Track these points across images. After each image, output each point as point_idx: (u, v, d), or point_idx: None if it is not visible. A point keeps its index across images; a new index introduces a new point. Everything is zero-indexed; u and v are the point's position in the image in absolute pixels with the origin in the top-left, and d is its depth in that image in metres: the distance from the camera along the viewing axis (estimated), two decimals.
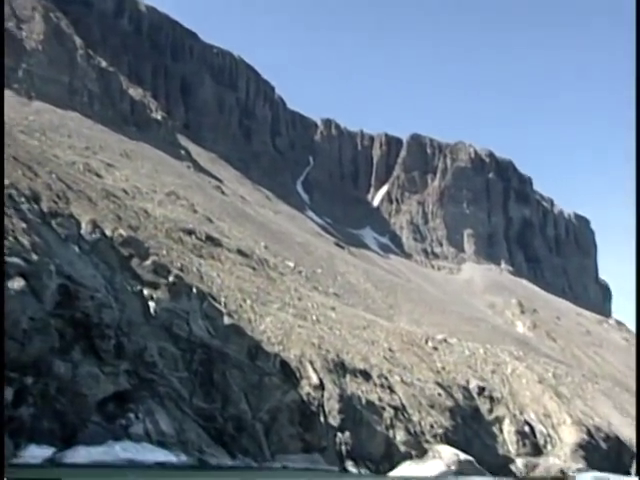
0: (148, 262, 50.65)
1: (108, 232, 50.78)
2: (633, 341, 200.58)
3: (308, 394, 53.31)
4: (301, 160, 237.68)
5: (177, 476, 33.58)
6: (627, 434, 72.82)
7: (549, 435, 67.32)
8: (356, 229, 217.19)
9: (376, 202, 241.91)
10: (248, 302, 62.11)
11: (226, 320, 53.43)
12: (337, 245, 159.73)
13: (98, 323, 41.93)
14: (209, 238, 79.33)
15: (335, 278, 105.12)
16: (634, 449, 71.18)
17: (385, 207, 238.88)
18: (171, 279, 50.54)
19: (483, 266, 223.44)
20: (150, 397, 44.03)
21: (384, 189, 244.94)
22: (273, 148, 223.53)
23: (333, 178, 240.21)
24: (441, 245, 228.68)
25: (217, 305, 55.59)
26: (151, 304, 47.64)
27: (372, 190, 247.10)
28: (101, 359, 41.80)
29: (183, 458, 41.88)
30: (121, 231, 53.01)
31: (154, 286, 49.33)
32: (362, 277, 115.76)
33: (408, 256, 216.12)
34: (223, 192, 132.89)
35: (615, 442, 70.44)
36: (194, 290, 52.52)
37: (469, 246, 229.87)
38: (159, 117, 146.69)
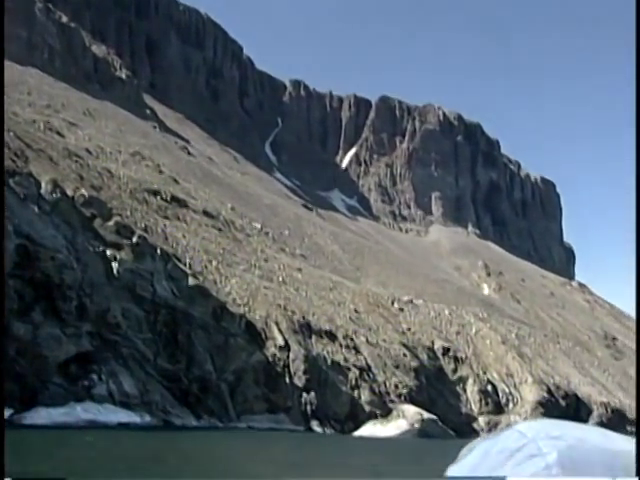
0: (111, 223, 49.82)
1: (69, 192, 49.71)
2: (595, 303, 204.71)
3: (274, 355, 53.41)
4: (269, 121, 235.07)
5: (140, 437, 33.42)
6: (585, 391, 74.62)
7: (511, 394, 68.61)
8: (324, 191, 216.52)
9: (344, 164, 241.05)
10: (213, 263, 61.66)
11: (191, 281, 53.03)
12: (305, 207, 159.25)
13: (59, 284, 41.27)
14: (174, 199, 78.27)
15: (302, 240, 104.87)
16: (591, 405, 72.97)
17: (353, 169, 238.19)
18: (135, 240, 49.84)
19: (450, 229, 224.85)
20: (113, 358, 43.71)
21: (352, 151, 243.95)
22: (241, 109, 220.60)
23: (301, 140, 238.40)
24: (409, 207, 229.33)
25: (182, 266, 55.09)
26: (114, 265, 47.00)
27: (340, 152, 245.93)
28: (63, 320, 41.25)
29: (147, 419, 41.79)
30: (83, 191, 51.96)
31: (117, 247, 48.60)
32: (329, 239, 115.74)
33: (376, 218, 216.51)
34: (190, 153, 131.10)
35: (573, 399, 72.12)
36: (158, 251, 51.93)
37: (437, 209, 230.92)
38: (123, 76, 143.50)
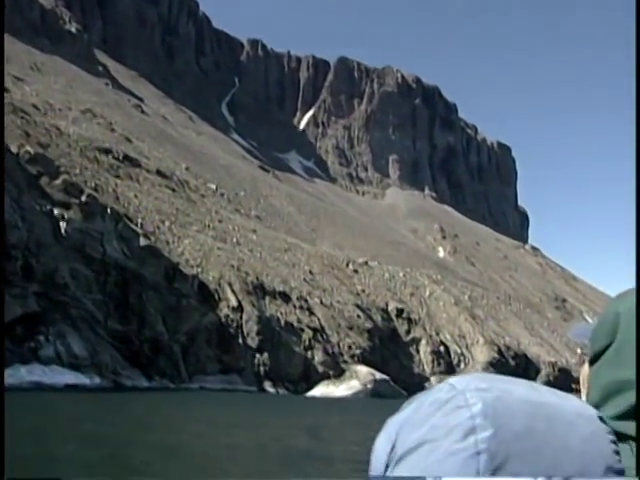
0: (58, 181, 48.41)
1: (14, 149, 48.04)
2: (546, 266, 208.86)
3: (227, 316, 53.09)
4: (226, 81, 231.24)
5: (89, 399, 32.83)
6: (534, 352, 76.29)
7: (462, 354, 69.72)
8: (281, 153, 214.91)
9: (302, 126, 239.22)
10: (166, 224, 60.69)
11: (142, 241, 52.12)
12: (262, 168, 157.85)
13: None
14: (127, 158, 76.56)
15: (258, 201, 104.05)
16: (540, 365, 74.66)
17: (311, 131, 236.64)
18: (84, 199, 48.56)
19: (407, 192, 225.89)
20: (62, 319, 42.81)
21: (310, 113, 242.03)
22: (197, 68, 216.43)
23: (259, 100, 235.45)
24: (366, 170, 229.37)
25: (133, 226, 54.05)
26: (62, 224, 45.79)
27: (298, 113, 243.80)
28: (8, 281, 40.09)
29: (97, 380, 41.15)
30: (28, 148, 50.28)
31: (65, 206, 47.32)
32: (285, 200, 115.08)
33: (333, 180, 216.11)
34: (143, 111, 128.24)
35: (523, 359, 73.70)
36: (108, 211, 50.77)
37: (394, 172, 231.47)
38: (73, 29, 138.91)
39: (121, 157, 75.35)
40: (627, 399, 0.94)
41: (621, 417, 0.94)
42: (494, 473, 0.54)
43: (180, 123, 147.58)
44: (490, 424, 0.56)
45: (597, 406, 0.98)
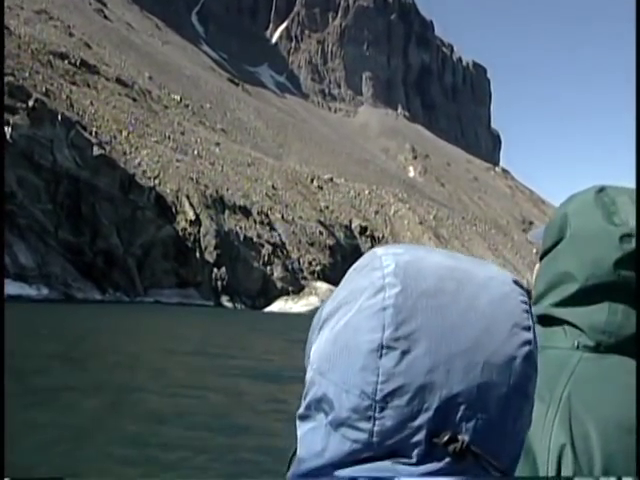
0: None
1: None
2: (516, 189, 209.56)
3: (184, 229, 51.86)
4: None
5: (34, 310, 31.68)
6: None
7: None
8: (253, 66, 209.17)
9: (274, 39, 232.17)
10: (124, 133, 58.47)
11: (96, 151, 50.02)
12: (231, 81, 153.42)
13: None
14: (85, 64, 73.14)
15: (224, 114, 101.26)
16: None
17: (284, 44, 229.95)
18: (31, 103, 46.06)
19: (380, 110, 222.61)
20: (8, 229, 41.20)
21: (283, 25, 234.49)
22: None
23: (230, 11, 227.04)
24: (339, 87, 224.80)
25: (87, 135, 51.80)
26: (7, 130, 43.45)
27: (271, 26, 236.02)
28: None
29: (44, 292, 40.06)
30: None
31: (11, 110, 44.80)
32: (253, 115, 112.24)
33: (305, 96, 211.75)
34: (106, 17, 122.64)
35: None
36: (59, 117, 48.36)
37: (367, 89, 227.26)
38: None
39: (78, 63, 71.94)
40: (566, 289, 1.05)
41: (559, 304, 1.06)
42: (398, 327, 0.56)
43: (145, 31, 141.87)
44: (399, 282, 0.58)
45: (541, 296, 1.10)
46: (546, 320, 1.07)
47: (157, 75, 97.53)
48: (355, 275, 0.62)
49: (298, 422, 0.64)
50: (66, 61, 69.74)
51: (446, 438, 0.55)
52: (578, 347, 1.04)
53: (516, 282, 0.63)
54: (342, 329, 0.60)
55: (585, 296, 1.03)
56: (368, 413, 0.56)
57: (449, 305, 0.58)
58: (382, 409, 0.56)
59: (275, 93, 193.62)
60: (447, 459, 0.56)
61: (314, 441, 0.60)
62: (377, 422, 0.56)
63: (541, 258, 1.15)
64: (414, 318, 0.57)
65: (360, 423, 0.57)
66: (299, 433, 0.63)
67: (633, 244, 1.02)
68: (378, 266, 0.60)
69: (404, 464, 0.56)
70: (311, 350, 0.64)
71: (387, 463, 0.56)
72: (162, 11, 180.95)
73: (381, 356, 0.57)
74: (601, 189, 1.08)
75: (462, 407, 0.57)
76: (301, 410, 0.63)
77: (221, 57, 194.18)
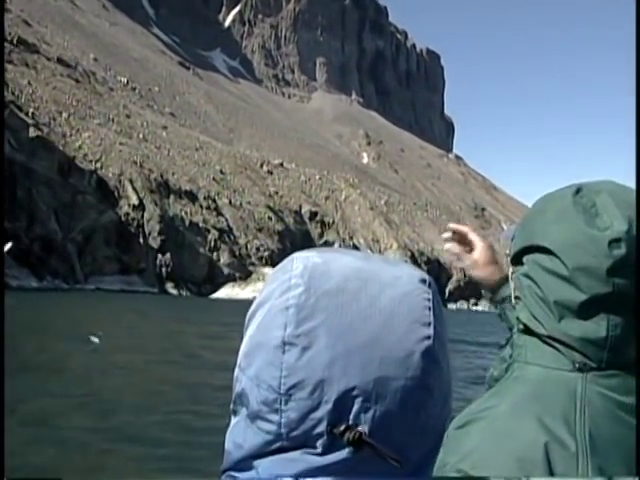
0: None
1: None
2: (468, 175, 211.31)
3: (127, 214, 50.20)
4: None
5: None
6: (448, 258, 76.59)
7: None
8: (205, 50, 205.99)
9: (227, 23, 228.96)
10: (64, 115, 56.32)
11: (32, 132, 47.95)
12: (181, 65, 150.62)
13: None
14: (23, 42, 70.43)
15: (174, 98, 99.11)
16: (451, 271, 75.24)
17: (237, 29, 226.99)
18: None
19: (334, 96, 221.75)
20: None
21: (236, 9, 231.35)
22: None
23: None
24: (293, 72, 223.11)
25: (22, 116, 49.63)
26: None
27: (224, 10, 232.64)
28: None
29: None
30: None
31: None
32: (203, 99, 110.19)
33: (259, 82, 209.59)
34: None
35: (435, 264, 73.96)
36: None
37: (321, 75, 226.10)
38: None
39: (15, 40, 69.20)
40: (558, 305, 0.98)
41: (553, 321, 0.99)
42: (299, 325, 0.59)
43: (92, 11, 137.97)
44: (303, 283, 0.60)
45: (532, 313, 1.03)
46: (542, 338, 1.00)
47: (103, 57, 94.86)
48: (271, 278, 0.65)
49: (232, 418, 0.67)
50: None
51: (342, 428, 0.58)
52: (580, 369, 0.96)
53: (423, 280, 0.65)
54: (257, 328, 0.63)
55: (580, 311, 0.95)
56: (275, 406, 0.59)
57: (350, 303, 0.61)
58: (286, 402, 0.59)
59: (228, 78, 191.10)
60: (347, 449, 0.58)
61: (237, 434, 0.64)
62: (283, 414, 0.59)
63: (512, 261, 1.08)
64: (315, 316, 0.60)
65: (269, 415, 0.60)
66: (229, 427, 0.66)
67: (623, 249, 0.94)
68: (289, 269, 0.63)
69: (311, 454, 0.59)
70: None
71: (297, 453, 0.60)
72: None
73: (284, 352, 0.59)
74: (577, 190, 1.00)
75: (359, 399, 0.59)
76: (231, 406, 0.66)
77: (173, 41, 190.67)
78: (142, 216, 50.37)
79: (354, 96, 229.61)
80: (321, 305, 0.60)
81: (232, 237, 55.28)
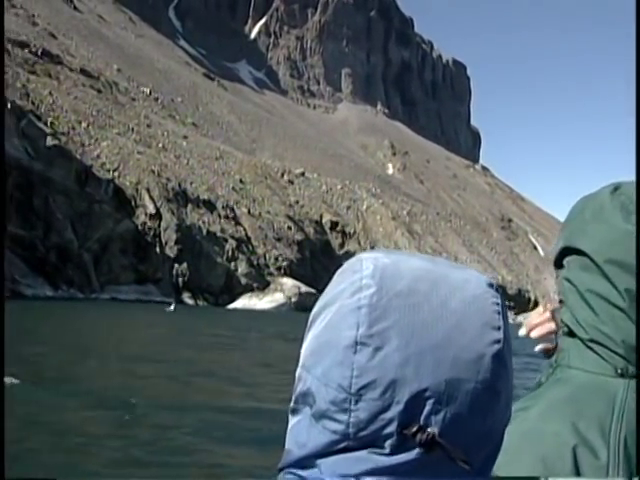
0: None
1: None
2: (495, 186, 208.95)
3: (144, 223, 49.82)
4: None
5: None
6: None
7: None
8: (231, 62, 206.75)
9: (253, 35, 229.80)
10: (83, 124, 56.28)
11: (49, 141, 47.83)
12: (206, 76, 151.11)
13: None
14: (47, 54, 70.82)
15: (196, 108, 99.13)
16: None
17: (263, 40, 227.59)
18: None
19: (359, 107, 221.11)
20: None
21: (262, 21, 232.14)
22: None
23: (209, 6, 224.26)
24: (318, 83, 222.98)
25: (40, 125, 49.56)
26: None
27: (250, 22, 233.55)
28: None
29: None
30: None
31: None
32: (226, 109, 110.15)
33: (284, 93, 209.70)
34: (76, 8, 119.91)
35: None
36: (9, 105, 46.09)
37: (346, 86, 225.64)
38: None
39: (40, 52, 69.60)
40: (601, 308, 0.96)
41: (596, 325, 0.97)
42: (372, 325, 0.60)
43: (118, 24, 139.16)
44: (375, 283, 0.61)
45: (575, 317, 1.01)
46: (585, 342, 0.99)
47: (127, 68, 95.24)
48: (338, 278, 0.66)
49: (290, 416, 0.67)
50: (26, 50, 67.42)
51: (414, 429, 0.58)
52: (622, 374, 0.94)
53: (491, 285, 0.65)
54: (324, 327, 0.63)
55: (623, 313, 0.93)
56: (344, 405, 0.59)
57: (421, 304, 0.61)
58: (356, 402, 0.59)
59: (253, 89, 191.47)
60: (417, 450, 0.58)
61: (299, 433, 0.64)
62: (352, 414, 0.59)
63: (555, 264, 1.06)
64: (387, 316, 0.60)
65: (338, 415, 0.60)
66: (289, 426, 0.66)
67: None
68: (358, 269, 0.63)
69: (378, 454, 0.59)
70: (302, 348, 0.67)
71: (363, 452, 0.59)
72: (139, 5, 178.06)
73: (355, 352, 0.59)
74: (616, 187, 1.00)
75: (431, 400, 0.59)
76: (291, 404, 0.66)
77: (199, 52, 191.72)
78: (159, 225, 49.96)
79: (379, 107, 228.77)
80: (393, 306, 0.60)
81: (250, 247, 54.61)
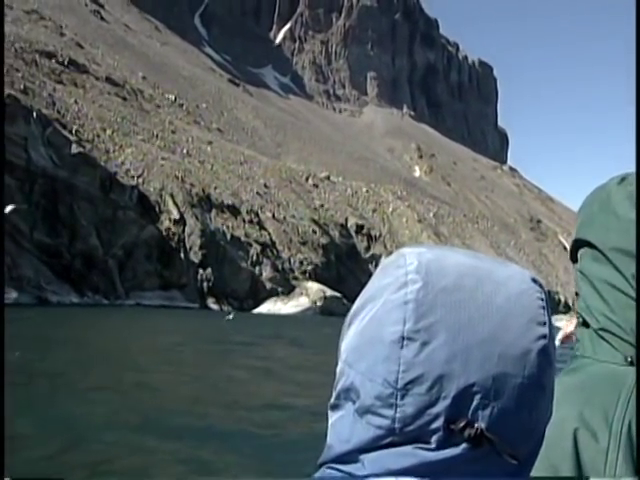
0: None
1: None
2: (523, 187, 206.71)
3: (168, 229, 49.92)
4: None
5: None
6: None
7: None
8: (257, 68, 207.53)
9: (278, 40, 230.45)
10: (107, 132, 56.66)
11: (74, 149, 48.15)
12: (232, 82, 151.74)
13: None
14: (73, 63, 71.58)
15: (221, 114, 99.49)
16: None
17: (287, 46, 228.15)
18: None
19: (385, 110, 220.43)
20: None
21: (287, 27, 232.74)
22: None
23: (234, 13, 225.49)
24: (344, 87, 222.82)
25: (65, 133, 49.95)
26: None
27: (274, 27, 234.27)
28: None
29: (13, 295, 38.12)
30: None
31: None
32: (251, 114, 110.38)
33: (309, 97, 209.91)
34: (103, 18, 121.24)
35: None
36: (34, 114, 46.53)
37: (372, 89, 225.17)
38: None
39: (66, 62, 70.35)
40: (612, 297, 0.97)
41: (608, 313, 0.98)
42: (418, 320, 0.60)
43: (144, 32, 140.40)
44: (420, 278, 0.61)
45: (588, 306, 1.03)
46: (598, 332, 1.00)
47: (152, 75, 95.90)
48: (381, 273, 0.66)
49: (329, 412, 0.67)
50: (53, 60, 68.19)
51: (462, 424, 0.58)
52: (632, 362, 0.95)
53: (534, 280, 0.66)
54: (368, 322, 0.63)
55: (632, 301, 0.94)
56: (390, 400, 0.59)
57: (467, 300, 0.61)
58: (403, 397, 0.59)
59: (279, 95, 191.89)
60: (464, 445, 0.58)
61: (342, 428, 0.64)
62: (398, 409, 0.59)
63: (571, 257, 1.09)
64: (434, 312, 0.60)
65: (383, 410, 0.60)
66: (330, 421, 0.66)
67: None
68: (402, 264, 0.63)
69: (424, 449, 0.58)
70: (342, 344, 0.67)
71: (408, 448, 0.59)
72: (165, 14, 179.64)
73: (402, 347, 0.60)
74: (623, 178, 1.02)
75: (478, 395, 0.59)
76: (332, 400, 0.66)
77: (224, 59, 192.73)
78: (183, 230, 50.02)
79: (405, 109, 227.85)
80: (439, 301, 0.61)
81: (275, 251, 54.45)
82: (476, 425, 0.58)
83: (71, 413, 9.30)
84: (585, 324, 1.01)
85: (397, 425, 0.59)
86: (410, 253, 0.64)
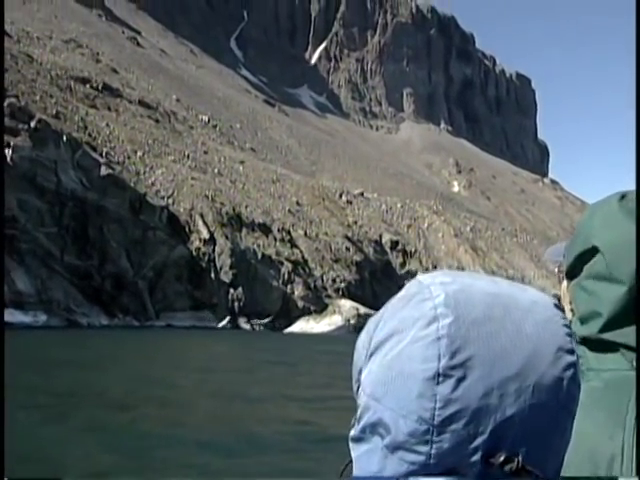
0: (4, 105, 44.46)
1: None
2: (565, 200, 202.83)
3: (198, 249, 49.64)
4: (235, 15, 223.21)
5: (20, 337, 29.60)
6: (539, 284, 72.13)
7: None
8: (293, 88, 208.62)
9: (314, 60, 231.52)
10: (138, 154, 56.91)
11: (103, 171, 48.32)
12: (267, 102, 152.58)
13: None
14: (107, 88, 72.51)
15: (255, 134, 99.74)
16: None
17: (323, 65, 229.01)
18: (33, 124, 44.67)
19: (422, 126, 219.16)
20: (7, 254, 39.56)
21: (322, 46, 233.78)
22: (204, 2, 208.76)
23: (269, 35, 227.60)
24: (380, 104, 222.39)
25: (95, 155, 50.21)
26: (7, 152, 42.06)
27: (310, 47, 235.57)
28: None
29: (42, 318, 38.07)
30: None
31: (13, 132, 43.50)
32: (285, 133, 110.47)
33: (346, 115, 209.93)
34: (139, 44, 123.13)
35: None
36: (64, 138, 46.87)
37: (408, 105, 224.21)
38: None
39: (100, 87, 71.27)
40: (613, 309, 1.00)
41: (608, 326, 1.01)
42: (453, 356, 0.59)
43: (180, 56, 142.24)
44: (451, 312, 0.60)
45: (585, 319, 1.05)
46: (598, 344, 1.02)
47: (186, 97, 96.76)
48: (404, 305, 0.65)
49: (352, 444, 0.66)
50: (87, 85, 69.09)
51: (502, 459, 0.58)
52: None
53: (557, 306, 0.66)
54: (396, 357, 0.62)
55: (626, 304, 0.96)
56: (426, 437, 0.59)
57: (499, 331, 0.61)
58: (440, 433, 0.58)
59: (316, 114, 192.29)
60: (503, 478, 0.58)
61: (370, 462, 0.63)
62: (435, 445, 0.58)
63: (567, 275, 1.11)
64: (467, 346, 0.60)
65: (418, 447, 0.59)
66: (354, 454, 0.66)
67: None
68: (428, 296, 0.63)
69: None
70: (360, 374, 0.66)
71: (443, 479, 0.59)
72: (201, 38, 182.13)
73: (438, 383, 0.59)
74: (623, 196, 1.03)
75: (516, 428, 0.59)
76: (356, 433, 0.65)
77: (260, 80, 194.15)
78: (213, 250, 49.69)
79: (443, 125, 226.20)
80: (472, 335, 0.60)
81: (307, 269, 53.75)
82: (516, 459, 0.58)
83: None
84: (584, 340, 1.01)
85: (433, 461, 0.59)
86: (434, 284, 0.63)
